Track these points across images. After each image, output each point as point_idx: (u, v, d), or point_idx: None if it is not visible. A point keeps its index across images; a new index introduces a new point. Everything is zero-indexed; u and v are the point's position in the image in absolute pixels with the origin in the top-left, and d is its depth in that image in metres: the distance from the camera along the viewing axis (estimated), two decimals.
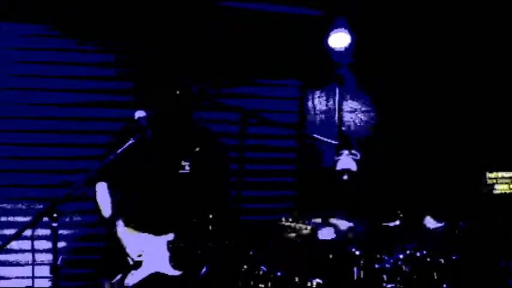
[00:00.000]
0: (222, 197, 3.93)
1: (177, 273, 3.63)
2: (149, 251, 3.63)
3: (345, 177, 4.37)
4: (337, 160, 4.42)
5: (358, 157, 4.41)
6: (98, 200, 3.83)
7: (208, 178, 3.84)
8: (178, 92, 3.69)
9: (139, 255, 3.62)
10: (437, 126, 5.79)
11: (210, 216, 3.75)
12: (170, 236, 3.65)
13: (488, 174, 5.36)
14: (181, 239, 3.63)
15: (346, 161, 4.40)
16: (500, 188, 5.37)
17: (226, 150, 4.00)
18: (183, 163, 3.77)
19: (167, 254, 3.63)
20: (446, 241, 4.51)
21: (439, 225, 4.48)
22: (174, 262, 3.62)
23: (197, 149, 3.79)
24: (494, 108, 5.76)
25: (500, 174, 5.38)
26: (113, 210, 3.74)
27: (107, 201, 3.79)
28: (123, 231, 3.68)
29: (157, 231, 3.67)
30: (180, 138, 3.80)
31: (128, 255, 3.63)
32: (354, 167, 4.38)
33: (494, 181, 5.37)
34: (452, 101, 5.79)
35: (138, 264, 3.60)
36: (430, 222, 4.51)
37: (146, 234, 3.67)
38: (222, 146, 4.00)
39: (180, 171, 3.76)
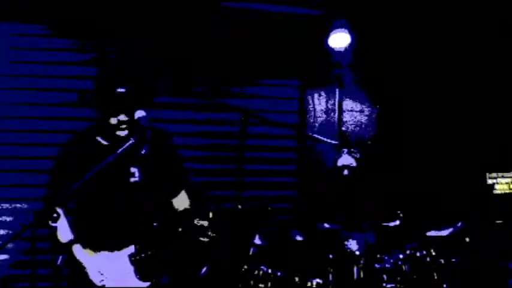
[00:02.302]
0: (178, 195, 3.83)
1: (145, 284, 3.54)
2: (113, 268, 3.52)
3: (346, 172, 4.37)
4: (337, 159, 4.43)
5: (358, 156, 4.42)
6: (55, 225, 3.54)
7: (161, 180, 3.69)
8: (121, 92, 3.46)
9: (102, 280, 3.49)
10: (437, 125, 5.79)
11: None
12: (131, 249, 3.54)
13: (489, 175, 5.37)
14: (143, 249, 3.53)
15: (346, 158, 4.41)
16: (500, 188, 5.37)
17: (170, 139, 3.81)
18: (132, 170, 3.62)
19: (131, 267, 3.53)
20: (447, 242, 4.51)
21: (442, 233, 4.48)
22: (140, 274, 3.52)
23: (143, 152, 3.61)
24: (495, 107, 5.76)
25: (500, 174, 5.38)
26: (71, 234, 3.53)
27: (65, 227, 3.54)
28: (81, 254, 3.52)
29: (117, 247, 3.54)
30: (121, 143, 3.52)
31: (91, 277, 3.49)
32: (353, 163, 4.39)
33: (495, 181, 5.37)
34: (453, 100, 5.80)
35: (103, 286, 3.50)
36: (433, 231, 4.51)
37: (105, 252, 3.54)
38: (170, 143, 3.81)
39: (131, 180, 3.62)
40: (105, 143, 3.63)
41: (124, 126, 3.50)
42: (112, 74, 3.63)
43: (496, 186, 5.37)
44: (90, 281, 3.50)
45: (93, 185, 3.36)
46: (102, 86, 3.57)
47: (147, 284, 3.55)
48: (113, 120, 3.50)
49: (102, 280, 3.50)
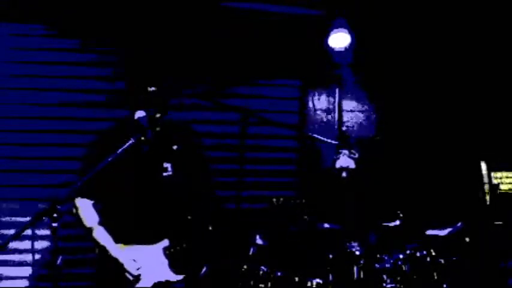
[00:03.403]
0: (207, 188, 3.91)
1: (180, 277, 3.61)
2: (147, 262, 3.58)
3: (345, 174, 4.37)
4: (337, 159, 4.43)
5: (358, 156, 4.42)
6: (82, 217, 3.70)
7: (191, 174, 3.78)
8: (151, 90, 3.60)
9: (138, 269, 3.56)
10: (437, 125, 5.79)
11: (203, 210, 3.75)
12: (165, 242, 3.62)
13: (494, 174, 5.37)
14: (177, 242, 3.60)
15: (346, 160, 4.41)
16: (504, 188, 5.37)
17: (201, 142, 3.98)
18: (165, 165, 3.70)
19: (166, 261, 3.60)
20: (447, 242, 4.51)
21: (442, 232, 4.48)
22: (174, 267, 3.59)
23: (175, 148, 3.71)
24: (495, 105, 5.75)
25: (505, 174, 5.38)
26: (101, 227, 3.63)
27: (94, 218, 3.66)
28: (115, 249, 3.58)
29: (151, 240, 3.61)
30: (158, 139, 3.71)
31: (126, 271, 3.55)
32: (352, 165, 4.39)
33: (499, 180, 5.37)
34: (454, 99, 5.79)
35: (138, 279, 3.56)
36: (432, 231, 4.51)
37: (140, 246, 3.61)
38: (196, 138, 3.95)
39: (164, 174, 3.70)
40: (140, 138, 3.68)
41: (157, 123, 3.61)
42: (142, 73, 3.71)
43: (501, 186, 5.38)
44: (123, 273, 3.54)
45: (128, 180, 3.53)
46: (134, 85, 3.66)
47: (181, 276, 3.61)
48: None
49: (138, 269, 3.54)
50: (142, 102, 3.60)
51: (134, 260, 3.56)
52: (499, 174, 5.41)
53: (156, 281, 3.58)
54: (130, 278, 3.55)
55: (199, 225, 3.68)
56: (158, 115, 3.59)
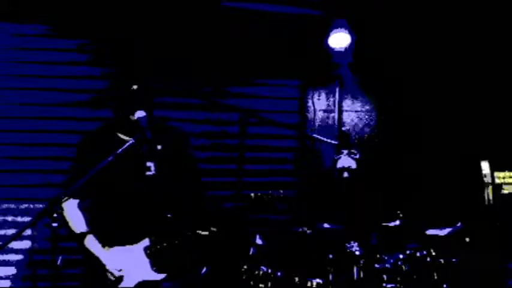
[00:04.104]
0: (191, 187, 3.89)
1: (162, 276, 3.60)
2: (129, 262, 3.57)
3: (345, 174, 4.37)
4: (337, 159, 4.42)
5: (358, 156, 4.41)
6: (67, 218, 3.68)
7: (174, 174, 3.77)
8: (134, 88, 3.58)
9: (120, 270, 3.55)
10: (437, 125, 5.78)
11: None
12: (146, 242, 3.61)
13: (496, 174, 5.36)
14: (157, 241, 3.58)
15: (346, 160, 4.40)
16: (506, 188, 5.36)
17: (188, 140, 3.93)
18: (148, 164, 3.69)
19: (147, 260, 3.59)
20: (447, 242, 4.51)
21: (442, 232, 4.48)
22: (156, 266, 3.58)
23: (159, 147, 3.68)
24: (499, 104, 5.74)
25: (508, 174, 5.37)
26: (86, 228, 3.61)
27: (79, 220, 3.65)
28: (98, 250, 3.58)
29: (133, 240, 3.60)
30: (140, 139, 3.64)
31: (108, 272, 3.55)
32: (353, 165, 4.38)
33: (502, 180, 5.36)
34: (455, 98, 5.79)
35: (120, 279, 3.55)
36: (432, 231, 4.51)
37: (122, 247, 3.60)
38: (182, 138, 3.91)
39: (147, 173, 3.68)
40: (127, 138, 3.68)
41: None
42: (127, 72, 3.68)
43: (504, 186, 5.37)
44: (105, 274, 3.54)
45: (110, 179, 3.49)
46: (119, 84, 3.66)
47: (163, 276, 3.60)
48: (132, 117, 3.59)
49: (120, 271, 3.54)
50: (127, 102, 3.59)
51: (116, 261, 3.55)
52: (501, 174, 5.40)
53: (139, 281, 3.57)
54: (112, 278, 3.54)
55: (182, 224, 3.65)
56: (143, 115, 3.57)
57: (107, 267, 3.55)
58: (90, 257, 3.59)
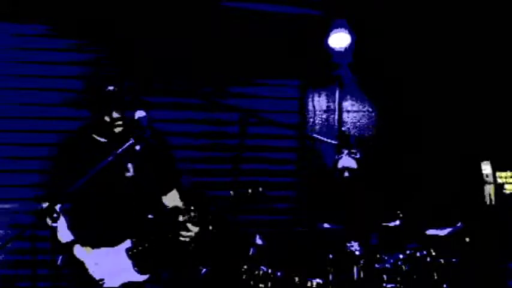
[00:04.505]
0: (168, 193, 3.84)
1: (145, 277, 3.57)
2: (112, 263, 3.54)
3: (346, 174, 4.37)
4: (338, 159, 4.43)
5: (358, 156, 4.42)
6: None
7: (153, 177, 3.72)
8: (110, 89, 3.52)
9: (101, 273, 3.50)
10: (437, 125, 5.78)
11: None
12: (127, 243, 3.58)
13: (499, 174, 5.36)
14: (139, 242, 3.56)
15: (347, 160, 4.41)
16: (509, 188, 5.36)
17: (165, 139, 3.88)
18: (127, 166, 3.65)
19: (129, 261, 3.56)
20: (447, 242, 4.51)
21: (442, 232, 4.48)
22: (138, 267, 3.56)
23: (137, 148, 3.55)
24: (500, 104, 5.74)
25: (509, 174, 5.37)
26: (70, 235, 3.55)
27: (65, 228, 3.56)
28: (81, 252, 3.53)
29: (115, 242, 3.57)
30: (118, 140, 3.57)
31: (90, 274, 3.50)
32: (354, 165, 4.38)
33: (504, 180, 5.36)
34: (455, 98, 5.79)
35: (101, 282, 3.51)
36: (432, 231, 4.51)
37: (103, 249, 3.56)
38: (160, 137, 3.84)
39: (126, 175, 3.64)
40: (102, 140, 3.65)
41: (119, 123, 3.56)
42: (101, 73, 3.64)
43: (506, 186, 5.37)
44: (91, 279, 3.51)
45: (90, 181, 3.35)
46: (92, 85, 3.60)
47: (146, 277, 3.57)
48: (107, 118, 3.55)
49: (103, 278, 3.51)
50: (103, 102, 3.54)
51: (97, 263, 3.51)
52: (503, 174, 5.41)
53: (123, 282, 3.55)
54: (95, 280, 3.52)
55: (163, 225, 3.62)
56: (117, 115, 3.54)
57: (90, 271, 3.50)
58: (77, 264, 3.54)
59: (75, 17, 5.23)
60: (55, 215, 3.15)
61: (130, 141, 3.42)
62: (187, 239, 3.57)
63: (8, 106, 5.19)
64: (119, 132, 3.58)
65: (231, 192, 3.62)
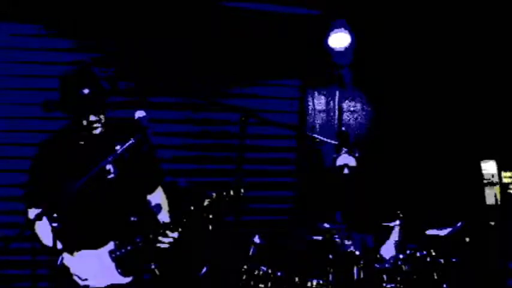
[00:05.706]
0: (153, 192, 3.83)
1: (128, 279, 3.57)
2: (95, 266, 3.53)
3: (345, 171, 4.37)
4: (337, 157, 4.43)
5: (358, 155, 4.42)
6: (36, 230, 3.60)
7: (136, 177, 3.70)
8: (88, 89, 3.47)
9: (85, 275, 3.50)
10: (437, 125, 5.78)
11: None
12: (110, 245, 3.56)
13: (504, 173, 5.36)
14: (122, 244, 3.55)
15: (346, 158, 4.41)
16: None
17: (148, 138, 3.71)
18: (108, 167, 3.61)
19: (112, 264, 3.55)
20: (447, 242, 4.51)
21: (442, 232, 4.48)
22: (121, 269, 3.55)
23: (117, 148, 3.47)
24: (504, 104, 5.74)
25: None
26: (54, 239, 3.43)
27: (47, 230, 3.48)
28: (67, 257, 3.53)
29: (99, 244, 3.55)
30: (99, 141, 3.58)
31: (74, 277, 3.51)
32: (353, 162, 4.39)
33: (509, 180, 5.37)
34: (455, 98, 5.79)
35: (86, 284, 3.51)
36: (432, 231, 4.51)
37: (86, 251, 3.54)
38: (142, 136, 3.64)
39: (107, 177, 3.61)
40: (81, 142, 3.64)
41: (96, 125, 3.54)
42: (75, 76, 3.61)
43: (510, 186, 5.38)
44: (74, 282, 3.51)
45: (72, 185, 3.37)
46: (66, 88, 3.57)
47: (129, 279, 3.57)
48: (84, 121, 3.53)
49: (86, 279, 3.51)
50: (79, 105, 3.50)
51: (83, 265, 3.51)
52: (508, 174, 5.41)
53: (107, 284, 3.54)
54: (80, 283, 3.51)
55: (145, 227, 3.61)
56: (94, 118, 3.51)
57: (75, 275, 3.51)
58: (64, 268, 3.54)
59: (75, 16, 5.23)
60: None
61: (131, 141, 3.41)
62: (167, 246, 3.55)
63: (8, 106, 5.19)
64: (99, 133, 3.56)
65: (213, 193, 3.60)
